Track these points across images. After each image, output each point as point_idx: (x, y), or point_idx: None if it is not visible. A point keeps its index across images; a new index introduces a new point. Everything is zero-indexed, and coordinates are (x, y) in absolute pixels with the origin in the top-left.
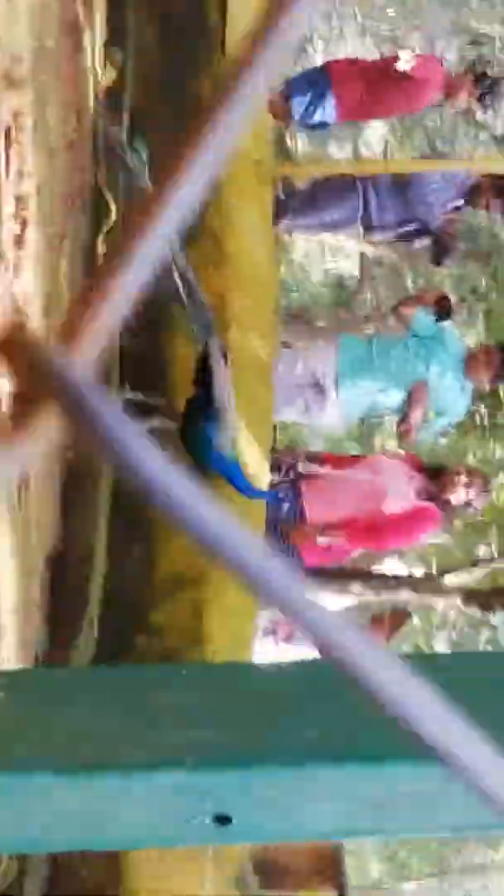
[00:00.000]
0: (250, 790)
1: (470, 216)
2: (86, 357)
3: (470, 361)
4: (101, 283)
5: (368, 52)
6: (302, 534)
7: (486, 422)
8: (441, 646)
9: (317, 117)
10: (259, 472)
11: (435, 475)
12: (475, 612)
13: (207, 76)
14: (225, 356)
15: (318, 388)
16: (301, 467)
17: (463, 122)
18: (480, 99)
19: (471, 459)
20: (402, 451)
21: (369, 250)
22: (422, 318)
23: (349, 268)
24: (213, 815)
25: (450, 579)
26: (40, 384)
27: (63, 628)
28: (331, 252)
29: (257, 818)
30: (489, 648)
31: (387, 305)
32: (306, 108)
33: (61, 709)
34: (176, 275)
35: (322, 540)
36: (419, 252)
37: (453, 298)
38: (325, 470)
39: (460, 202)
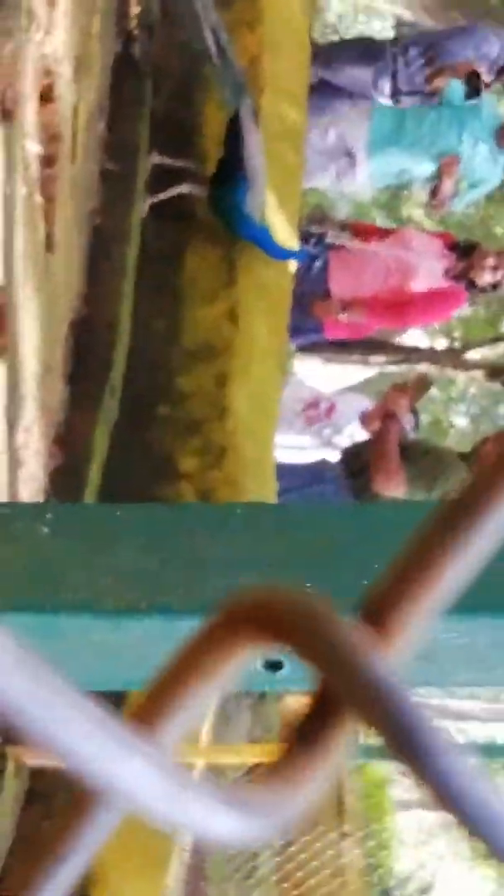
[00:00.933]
0: None
1: None
2: (399, 651)
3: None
4: (423, 556)
5: None
6: (325, 307)
7: None
8: (460, 419)
9: None
10: (288, 238)
11: (464, 254)
12: (496, 386)
13: None
14: (256, 118)
15: (349, 155)
16: (331, 236)
17: None
18: None
19: (499, 230)
20: (432, 227)
21: (405, 13)
22: (456, 87)
23: (383, 30)
24: (264, 660)
25: (472, 354)
26: (346, 683)
27: (85, 395)
28: (364, 13)
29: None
30: None
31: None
32: None
33: (106, 548)
34: (208, 33)
35: (343, 317)
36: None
37: None
38: (354, 242)
39: None
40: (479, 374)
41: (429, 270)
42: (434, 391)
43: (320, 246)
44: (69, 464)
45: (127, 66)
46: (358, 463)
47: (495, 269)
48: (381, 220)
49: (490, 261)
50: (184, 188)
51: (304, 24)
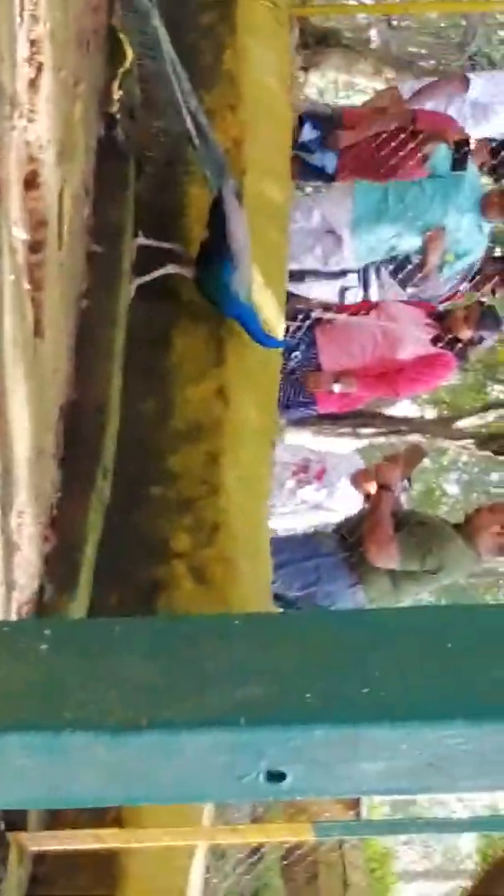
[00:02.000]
0: (304, 749)
1: None
2: None
3: (487, 202)
4: None
5: None
6: (317, 380)
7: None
8: (451, 487)
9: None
10: (274, 319)
11: (442, 318)
12: (487, 454)
13: None
14: (239, 197)
15: (334, 235)
16: (316, 313)
17: None
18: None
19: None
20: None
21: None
22: (443, 155)
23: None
24: (266, 772)
25: (462, 423)
26: None
27: (78, 477)
28: (345, 89)
29: (311, 775)
30: (500, 490)
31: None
32: None
33: (106, 663)
34: (188, 117)
35: (336, 387)
36: None
37: None
38: (339, 316)
39: None
40: (469, 442)
41: (415, 338)
42: (426, 460)
43: (305, 323)
44: (63, 547)
45: (110, 150)
46: (353, 535)
47: (466, 319)
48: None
49: (460, 312)
50: (170, 268)
51: (285, 103)
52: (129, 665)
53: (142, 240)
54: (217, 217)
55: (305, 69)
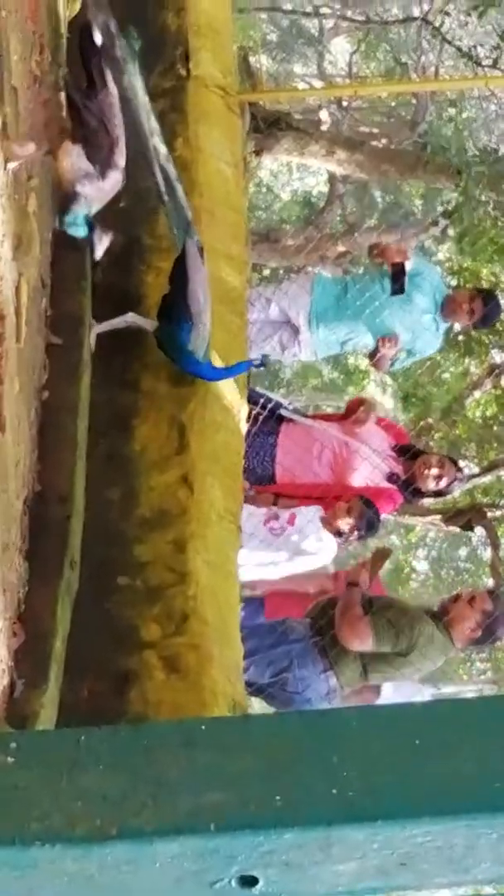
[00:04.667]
0: (276, 852)
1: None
2: None
3: (450, 304)
4: None
5: None
6: (257, 499)
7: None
8: (420, 564)
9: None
10: (236, 401)
11: (412, 457)
12: (454, 530)
13: (173, 8)
14: (202, 254)
15: (292, 327)
16: (286, 412)
17: (427, 35)
18: None
19: (446, 375)
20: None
21: (338, 169)
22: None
23: (317, 185)
24: (238, 877)
25: (429, 499)
26: None
27: (44, 569)
28: (298, 171)
29: (284, 879)
30: (469, 565)
31: (358, 223)
32: None
33: (72, 774)
34: (157, 168)
35: (274, 509)
36: (387, 170)
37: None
38: (307, 421)
39: None
40: (436, 518)
41: (372, 469)
42: (393, 538)
43: (272, 417)
44: (32, 641)
45: (65, 241)
46: (323, 619)
47: (438, 478)
48: (328, 372)
49: (433, 470)
50: (129, 317)
51: (238, 188)
52: (95, 775)
53: (97, 327)
54: (179, 274)
55: (258, 153)
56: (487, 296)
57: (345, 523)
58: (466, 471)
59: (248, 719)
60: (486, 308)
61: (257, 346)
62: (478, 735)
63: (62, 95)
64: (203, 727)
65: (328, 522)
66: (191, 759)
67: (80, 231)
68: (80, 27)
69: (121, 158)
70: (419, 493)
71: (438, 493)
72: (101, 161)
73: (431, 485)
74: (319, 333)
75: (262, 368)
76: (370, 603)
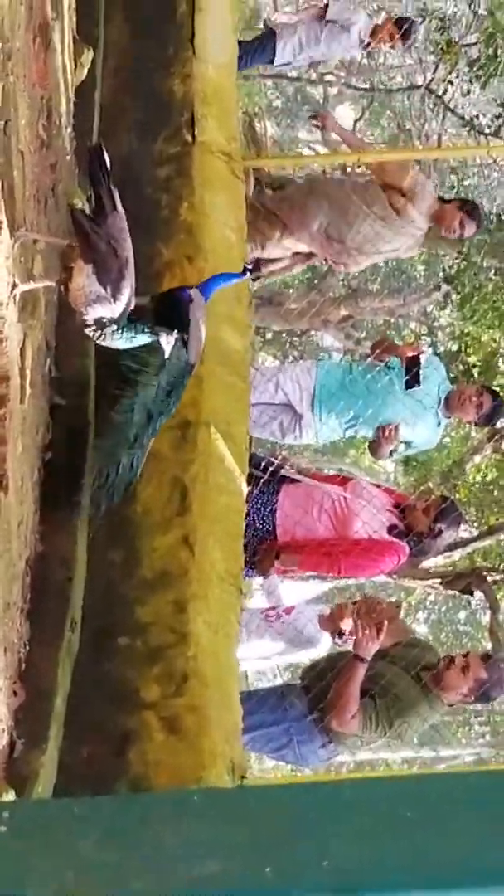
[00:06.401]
0: None
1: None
2: None
3: (456, 398)
4: None
5: None
6: (260, 564)
7: None
8: (420, 627)
9: None
10: (238, 463)
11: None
12: (453, 593)
13: (178, 76)
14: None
15: (294, 411)
16: (287, 471)
17: (430, 103)
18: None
19: (447, 439)
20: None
21: None
22: (397, 370)
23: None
24: None
25: (428, 562)
26: None
27: (46, 629)
28: None
29: None
30: (468, 628)
31: (360, 288)
32: None
33: (66, 843)
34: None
35: (277, 564)
36: None
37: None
38: (307, 480)
39: None
40: (435, 581)
41: (373, 521)
42: (393, 600)
43: (274, 479)
44: (33, 701)
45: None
46: (319, 685)
47: (426, 511)
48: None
49: (419, 504)
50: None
51: (242, 252)
52: (89, 845)
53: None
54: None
55: None
56: (494, 393)
57: (346, 624)
58: (466, 535)
59: (241, 791)
60: (494, 403)
61: (258, 427)
62: (469, 809)
63: (70, 220)
64: (196, 798)
65: (329, 622)
66: (184, 830)
67: (135, 341)
68: (90, 151)
69: (130, 278)
70: (423, 540)
71: (438, 533)
72: (111, 283)
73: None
74: (322, 419)
75: (248, 274)
76: (370, 677)
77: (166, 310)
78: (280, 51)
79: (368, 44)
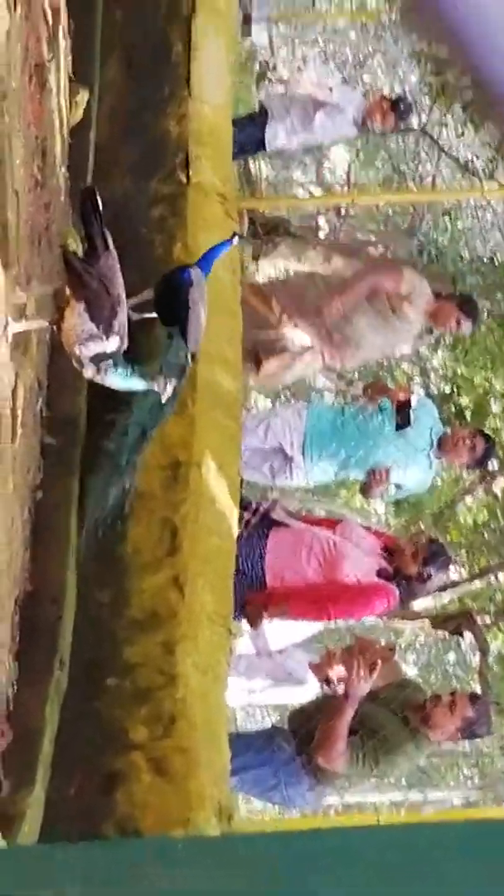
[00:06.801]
0: None
1: None
2: None
3: (449, 440)
4: None
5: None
6: (251, 617)
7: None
8: (410, 669)
9: None
10: (229, 505)
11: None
12: (442, 635)
13: (174, 116)
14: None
15: (284, 454)
16: (276, 515)
17: (426, 146)
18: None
19: (438, 480)
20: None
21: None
22: (387, 412)
23: None
24: None
25: (417, 604)
26: None
27: (34, 669)
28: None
29: None
30: (457, 670)
31: None
32: None
33: (49, 890)
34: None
35: (266, 616)
36: None
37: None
38: (297, 523)
39: None
40: (425, 623)
41: (361, 564)
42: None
43: (263, 523)
44: (20, 741)
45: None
46: (306, 727)
47: (414, 556)
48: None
49: (409, 550)
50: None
51: (235, 293)
52: (73, 891)
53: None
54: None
55: (256, 258)
56: (486, 436)
57: (336, 671)
58: (455, 577)
59: (226, 839)
60: (486, 446)
61: (249, 469)
62: (456, 859)
63: (61, 260)
64: (181, 846)
65: (318, 669)
66: (169, 878)
67: (131, 383)
68: (83, 193)
69: (122, 315)
70: (412, 583)
71: (426, 578)
72: (104, 321)
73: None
74: (313, 460)
75: (236, 239)
76: (357, 719)
77: (167, 297)
78: (271, 136)
79: (364, 123)
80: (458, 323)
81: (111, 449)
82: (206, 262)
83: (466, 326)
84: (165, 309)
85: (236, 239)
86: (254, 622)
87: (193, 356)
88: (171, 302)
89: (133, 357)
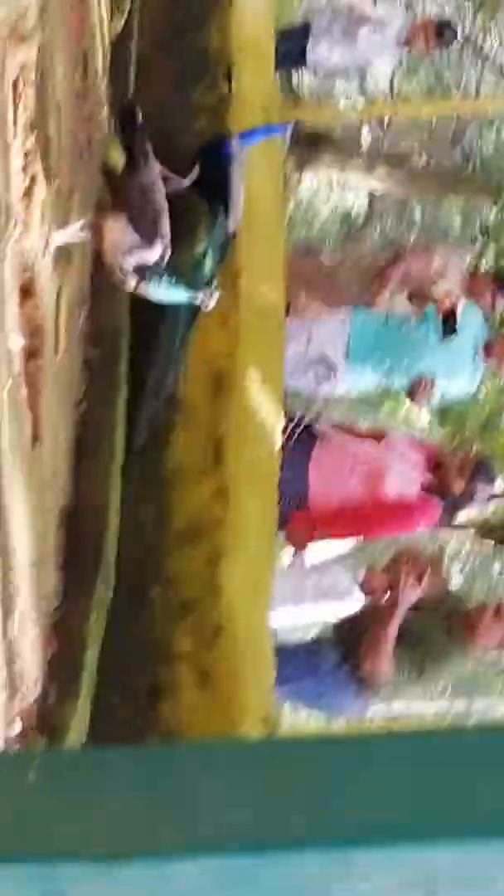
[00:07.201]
0: (296, 873)
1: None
2: None
3: (495, 348)
4: None
5: None
6: (295, 538)
7: None
8: (455, 578)
9: None
10: (273, 416)
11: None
12: (489, 544)
13: (215, 26)
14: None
15: (327, 363)
16: (322, 427)
17: (469, 54)
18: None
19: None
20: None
21: (378, 186)
22: (433, 319)
23: (357, 203)
24: None
25: (462, 514)
26: None
27: (78, 581)
28: (338, 188)
29: None
30: (503, 580)
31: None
32: None
33: (94, 793)
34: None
35: (311, 539)
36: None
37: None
38: (343, 436)
39: None
40: (470, 532)
41: (404, 478)
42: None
43: (307, 432)
44: (65, 652)
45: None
46: (353, 636)
47: (461, 472)
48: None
49: (455, 465)
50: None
51: (278, 206)
52: (118, 795)
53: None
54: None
55: (299, 169)
56: None
57: (379, 582)
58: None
59: (273, 741)
60: None
61: (293, 377)
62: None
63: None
64: (227, 749)
65: (365, 581)
66: (214, 780)
67: (173, 295)
68: (122, 108)
69: (166, 228)
70: (458, 500)
71: (471, 496)
72: (146, 230)
73: (461, 485)
74: (357, 369)
75: (286, 131)
76: (403, 633)
77: (208, 172)
78: (313, 48)
79: (407, 43)
80: (494, 297)
81: (164, 334)
82: (251, 136)
83: (501, 303)
84: (206, 188)
85: (290, 126)
86: (300, 543)
87: (234, 236)
88: (212, 179)
89: (174, 234)
